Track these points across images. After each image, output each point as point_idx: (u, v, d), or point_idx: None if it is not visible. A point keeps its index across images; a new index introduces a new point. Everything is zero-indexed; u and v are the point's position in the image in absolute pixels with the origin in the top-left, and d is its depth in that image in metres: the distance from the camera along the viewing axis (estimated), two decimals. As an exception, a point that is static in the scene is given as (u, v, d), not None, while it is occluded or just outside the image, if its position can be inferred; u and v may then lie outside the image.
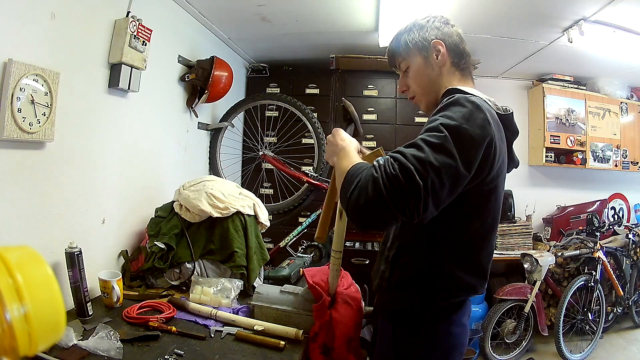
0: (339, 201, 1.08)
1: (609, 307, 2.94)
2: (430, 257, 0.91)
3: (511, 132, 0.97)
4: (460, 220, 0.89)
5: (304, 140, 2.79)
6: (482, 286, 0.96)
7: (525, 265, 2.67)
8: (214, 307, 1.36)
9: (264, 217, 1.73)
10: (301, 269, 1.76)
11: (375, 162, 0.79)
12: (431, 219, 0.79)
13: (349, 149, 0.97)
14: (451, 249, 0.91)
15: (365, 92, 3.02)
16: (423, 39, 1.03)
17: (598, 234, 2.91)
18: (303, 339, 1.20)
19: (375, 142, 2.93)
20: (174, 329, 1.19)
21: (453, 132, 0.78)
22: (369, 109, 3.00)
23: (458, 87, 0.97)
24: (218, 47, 2.51)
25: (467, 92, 0.93)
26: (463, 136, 0.79)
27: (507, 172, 1.00)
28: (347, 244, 2.59)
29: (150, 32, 1.59)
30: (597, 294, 2.75)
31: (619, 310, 3.00)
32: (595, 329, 2.78)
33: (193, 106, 2.18)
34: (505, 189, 0.98)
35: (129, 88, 1.55)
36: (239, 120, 2.79)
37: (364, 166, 0.82)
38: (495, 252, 1.02)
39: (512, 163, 1.02)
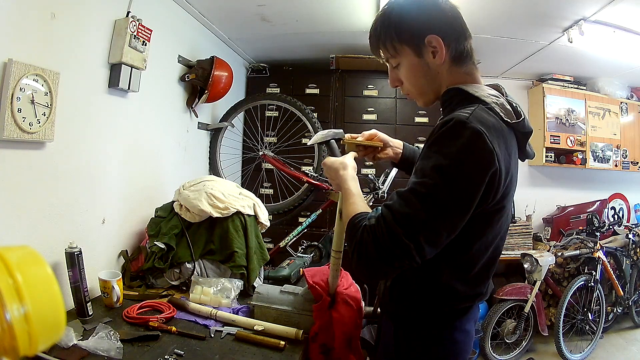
0: (338, 201, 1.08)
1: (609, 307, 2.94)
2: (430, 273, 0.86)
3: (523, 134, 0.88)
4: (462, 241, 0.81)
5: (304, 140, 2.78)
6: (487, 292, 0.93)
7: (525, 265, 2.67)
8: (214, 307, 1.36)
9: (264, 217, 1.73)
10: (301, 269, 1.76)
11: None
12: None
13: (348, 184, 0.95)
14: (452, 267, 0.86)
15: (365, 92, 3.01)
16: (413, 35, 0.85)
17: (598, 234, 2.91)
18: (303, 339, 1.20)
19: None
20: (174, 329, 1.19)
21: (447, 176, 0.73)
22: (369, 109, 3.00)
23: (461, 87, 0.86)
24: (218, 47, 2.51)
25: (471, 94, 0.84)
26: (459, 178, 0.73)
27: (522, 162, 0.94)
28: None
29: (150, 32, 1.59)
30: (597, 294, 2.75)
31: (619, 310, 3.00)
32: (595, 329, 2.78)
33: (193, 106, 2.18)
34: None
35: (129, 88, 1.55)
36: (239, 120, 2.79)
37: (361, 221, 0.80)
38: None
39: (527, 156, 0.93)
